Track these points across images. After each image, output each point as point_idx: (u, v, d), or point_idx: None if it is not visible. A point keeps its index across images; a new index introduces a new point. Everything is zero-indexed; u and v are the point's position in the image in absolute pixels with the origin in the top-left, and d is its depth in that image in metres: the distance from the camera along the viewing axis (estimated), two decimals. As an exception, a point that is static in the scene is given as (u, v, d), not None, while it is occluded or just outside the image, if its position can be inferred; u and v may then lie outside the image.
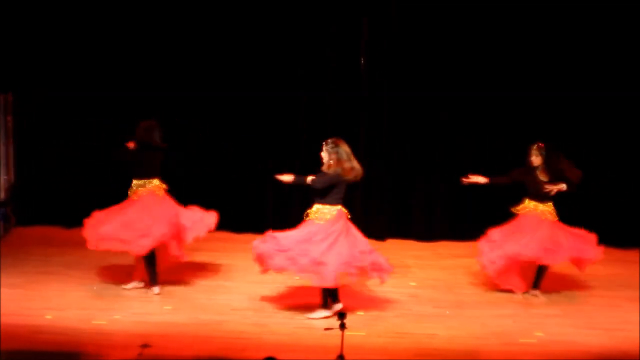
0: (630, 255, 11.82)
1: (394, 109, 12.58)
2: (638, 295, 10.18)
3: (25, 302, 9.66)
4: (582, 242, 10.28)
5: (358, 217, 12.26)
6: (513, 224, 10.38)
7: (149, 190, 10.06)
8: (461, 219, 12.70)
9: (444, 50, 12.40)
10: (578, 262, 10.33)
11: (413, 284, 10.80)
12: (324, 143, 9.44)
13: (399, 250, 12.26)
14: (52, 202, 12.52)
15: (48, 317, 9.26)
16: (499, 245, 10.26)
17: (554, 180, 10.13)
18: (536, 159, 10.20)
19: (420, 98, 12.50)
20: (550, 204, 10.26)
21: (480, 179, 10.38)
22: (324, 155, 9.44)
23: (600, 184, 12.26)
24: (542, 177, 10.21)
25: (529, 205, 10.29)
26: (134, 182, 10.10)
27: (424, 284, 10.77)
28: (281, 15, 12.42)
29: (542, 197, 10.20)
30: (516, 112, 12.39)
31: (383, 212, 12.72)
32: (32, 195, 12.65)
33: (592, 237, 10.33)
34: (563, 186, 10.10)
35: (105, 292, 10.03)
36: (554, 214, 10.27)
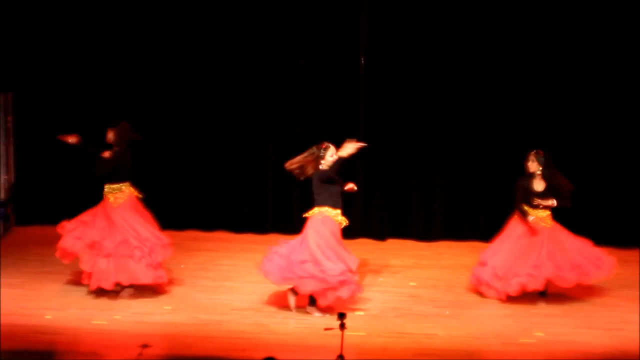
0: (630, 255, 11.80)
1: (394, 109, 12.57)
2: (638, 295, 10.17)
3: (24, 302, 9.67)
4: (586, 262, 10.05)
5: (358, 217, 12.33)
6: (509, 238, 10.15)
7: (127, 195, 9.94)
8: (461, 219, 12.69)
9: (444, 51, 12.37)
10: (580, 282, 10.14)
11: (413, 284, 10.79)
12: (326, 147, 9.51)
13: (399, 250, 12.27)
14: (52, 202, 12.51)
15: (48, 317, 9.26)
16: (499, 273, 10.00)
17: (550, 190, 10.02)
18: (532, 165, 9.95)
19: (420, 98, 12.48)
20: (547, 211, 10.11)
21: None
22: (333, 157, 9.49)
23: (600, 183, 12.25)
24: (538, 186, 10.00)
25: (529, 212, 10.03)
26: (113, 186, 9.89)
27: (424, 284, 10.76)
28: (281, 15, 12.41)
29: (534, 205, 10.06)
30: (516, 113, 12.36)
31: (383, 212, 12.70)
32: (32, 195, 12.66)
33: (597, 254, 10.12)
34: (553, 202, 9.91)
35: (105, 292, 10.02)
36: (550, 219, 10.10)
